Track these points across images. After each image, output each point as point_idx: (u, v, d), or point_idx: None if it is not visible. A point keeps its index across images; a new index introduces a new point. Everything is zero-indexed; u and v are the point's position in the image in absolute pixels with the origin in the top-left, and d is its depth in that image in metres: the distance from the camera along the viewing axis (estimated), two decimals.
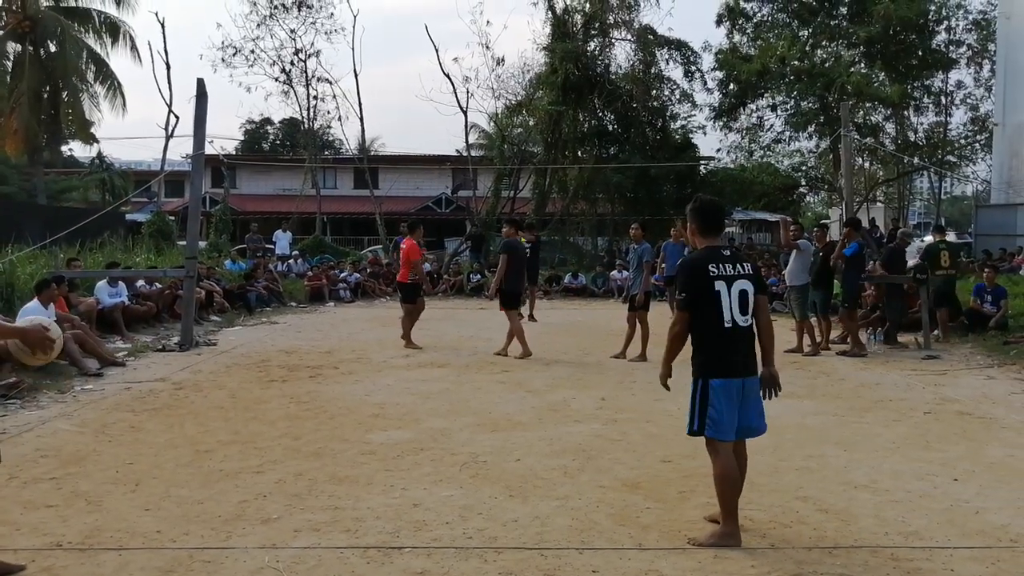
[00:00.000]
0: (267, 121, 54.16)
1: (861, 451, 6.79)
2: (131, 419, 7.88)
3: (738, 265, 4.80)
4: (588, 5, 29.49)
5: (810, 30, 31.29)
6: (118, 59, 46.74)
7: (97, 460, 6.45)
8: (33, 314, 10.57)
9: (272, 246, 27.09)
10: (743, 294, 4.76)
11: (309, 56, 32.51)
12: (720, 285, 4.73)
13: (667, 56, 30.56)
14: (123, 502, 5.45)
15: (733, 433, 4.79)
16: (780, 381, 4.95)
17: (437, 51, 31.81)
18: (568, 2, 29.58)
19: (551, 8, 29.41)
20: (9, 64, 31.92)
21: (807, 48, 30.82)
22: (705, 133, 32.86)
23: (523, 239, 17.36)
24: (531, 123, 30.90)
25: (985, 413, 8.34)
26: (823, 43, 31.48)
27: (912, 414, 8.26)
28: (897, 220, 39.73)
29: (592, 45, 29.92)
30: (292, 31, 32.05)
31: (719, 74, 31.74)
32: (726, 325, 4.74)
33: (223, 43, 32.87)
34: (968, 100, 33.87)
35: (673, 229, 16.82)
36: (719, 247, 4.91)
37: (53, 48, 31.86)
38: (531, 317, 16.56)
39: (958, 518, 5.19)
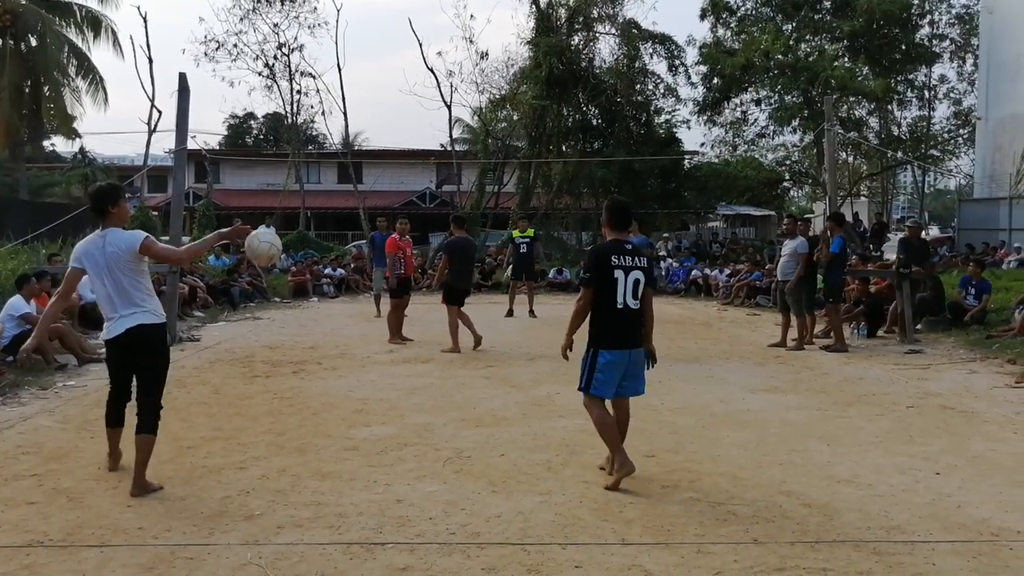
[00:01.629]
0: (250, 116, 53.92)
1: (844, 445, 6.82)
2: None
3: (636, 258, 5.70)
4: None
5: (794, 24, 31.35)
6: (100, 53, 46.56)
7: (79, 457, 6.41)
8: (17, 308, 10.53)
9: None
10: (636, 282, 5.67)
11: (292, 50, 32.41)
12: (619, 273, 5.63)
13: (651, 50, 30.59)
14: (105, 499, 5.42)
15: (612, 393, 5.78)
16: (657, 356, 6.08)
17: (421, 45, 31.91)
18: None
19: (535, 2, 29.38)
20: None
21: (791, 42, 30.86)
22: (689, 127, 32.91)
23: (516, 233, 17.39)
24: (515, 117, 30.89)
25: (967, 407, 8.38)
26: (807, 37, 31.53)
27: (895, 408, 8.30)
28: (881, 214, 39.99)
29: (576, 39, 29.90)
30: (275, 25, 31.95)
31: (703, 68, 31.76)
32: (618, 306, 5.63)
33: (206, 37, 32.79)
34: (951, 94, 34.07)
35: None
36: (624, 241, 5.81)
37: (34, 42, 31.55)
38: (531, 312, 16.56)
39: (940, 512, 5.22)
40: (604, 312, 5.69)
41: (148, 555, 4.51)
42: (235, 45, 32.09)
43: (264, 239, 6.12)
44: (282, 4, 31.61)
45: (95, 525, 4.94)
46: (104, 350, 5.96)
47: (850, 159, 40.82)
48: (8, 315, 10.51)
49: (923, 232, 14.63)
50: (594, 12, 29.69)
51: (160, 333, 5.78)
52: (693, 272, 23.82)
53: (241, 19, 31.94)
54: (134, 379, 5.83)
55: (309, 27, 32.36)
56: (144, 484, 5.53)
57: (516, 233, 17.33)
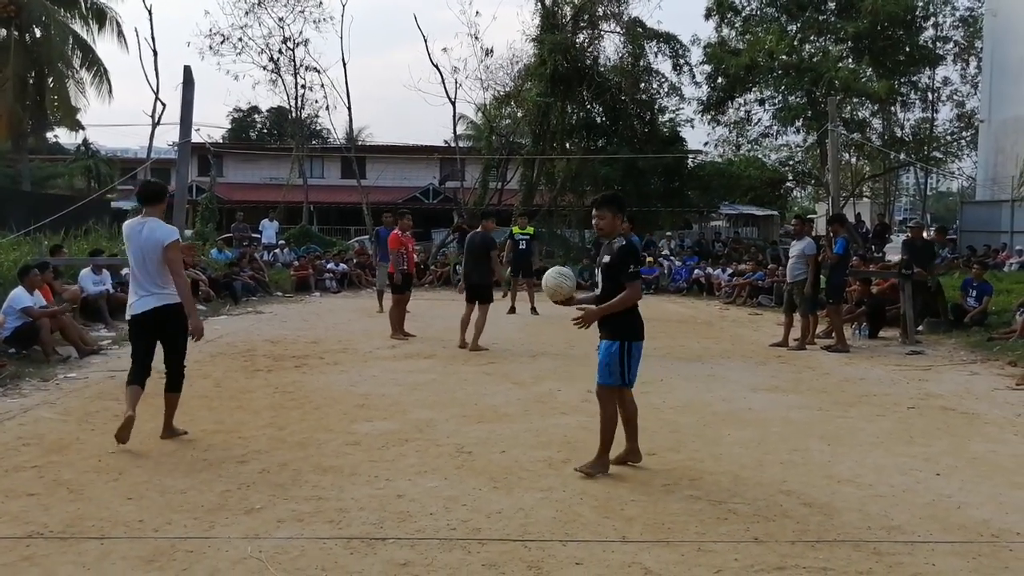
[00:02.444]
0: (255, 110, 53.95)
1: (845, 445, 6.82)
2: (115, 408, 7.82)
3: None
4: None
5: (798, 25, 31.31)
6: (104, 45, 46.57)
7: (80, 449, 6.42)
8: (20, 300, 10.53)
9: (258, 235, 26.98)
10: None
11: (297, 45, 32.40)
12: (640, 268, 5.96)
13: (656, 49, 30.51)
14: (105, 491, 5.42)
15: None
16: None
17: (426, 41, 31.82)
18: None
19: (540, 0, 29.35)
20: None
21: (795, 43, 30.82)
22: (693, 126, 33.01)
23: (516, 230, 17.33)
24: (519, 114, 30.84)
25: (968, 408, 8.38)
26: (811, 38, 31.49)
27: (896, 409, 8.30)
28: (883, 215, 39.97)
29: (581, 37, 29.85)
30: (280, 19, 31.93)
31: (707, 68, 31.74)
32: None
33: (211, 30, 32.73)
34: (954, 96, 34.06)
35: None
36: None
37: (39, 33, 31.56)
38: (532, 310, 16.56)
39: (940, 513, 5.22)
40: (638, 307, 5.97)
41: (148, 547, 4.51)
42: (240, 39, 32.09)
43: (549, 281, 6.42)
44: None
45: (95, 517, 4.94)
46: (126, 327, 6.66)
47: (853, 160, 40.79)
48: (11, 307, 10.51)
49: (924, 232, 14.44)
50: (599, 10, 29.65)
51: (179, 310, 6.53)
52: (695, 271, 23.81)
53: (246, 13, 31.96)
54: (152, 349, 6.69)
55: (314, 21, 32.63)
56: (172, 429, 6.73)
57: (516, 230, 17.30)
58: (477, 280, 12.04)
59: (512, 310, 16.60)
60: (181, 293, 6.54)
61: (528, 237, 17.25)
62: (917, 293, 13.56)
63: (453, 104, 30.63)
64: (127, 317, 6.72)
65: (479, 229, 12.65)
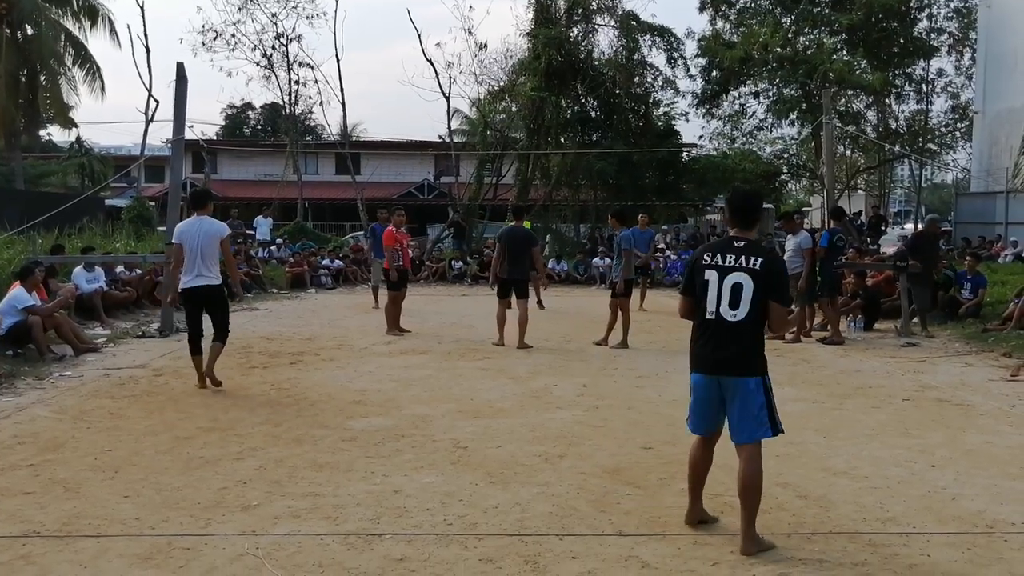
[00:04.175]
0: (248, 106, 53.89)
1: (840, 437, 6.83)
2: (110, 405, 7.84)
3: (743, 258, 4.52)
4: None
5: (792, 17, 31.30)
6: (97, 43, 46.46)
7: (76, 447, 6.41)
8: (21, 300, 10.50)
9: (253, 232, 26.95)
10: (736, 287, 4.51)
11: (291, 41, 32.42)
12: (710, 274, 4.58)
13: (650, 42, 30.55)
14: (102, 489, 5.42)
15: (700, 427, 4.78)
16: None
17: (420, 36, 31.76)
18: None
19: None
20: None
21: (789, 35, 30.85)
22: (688, 120, 33.03)
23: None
24: (514, 109, 30.81)
25: (963, 400, 8.40)
26: (805, 30, 31.51)
27: (891, 401, 8.31)
28: (878, 207, 40.01)
29: (575, 31, 29.87)
30: (273, 15, 31.95)
31: (702, 61, 31.76)
32: (708, 316, 4.59)
33: (204, 27, 32.68)
34: (949, 88, 34.11)
35: (641, 216, 17.02)
36: (735, 237, 4.65)
37: (31, 31, 31.44)
38: (539, 304, 16.55)
39: (935, 504, 5.23)
40: (695, 326, 4.76)
41: (145, 545, 4.51)
42: (233, 35, 32.11)
43: None
44: None
45: (92, 515, 4.94)
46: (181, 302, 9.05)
47: (848, 152, 40.82)
48: (11, 305, 10.47)
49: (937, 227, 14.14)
50: (593, 4, 29.66)
51: (219, 289, 8.72)
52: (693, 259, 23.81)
53: (239, 9, 32.00)
54: (199, 318, 8.72)
55: (307, 17, 32.49)
56: (213, 377, 8.61)
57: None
58: (519, 275, 11.89)
59: (509, 305, 16.57)
60: (230, 270, 9.06)
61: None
62: (927, 286, 13.44)
63: (447, 99, 30.66)
64: (179, 290, 8.74)
65: (514, 224, 12.41)
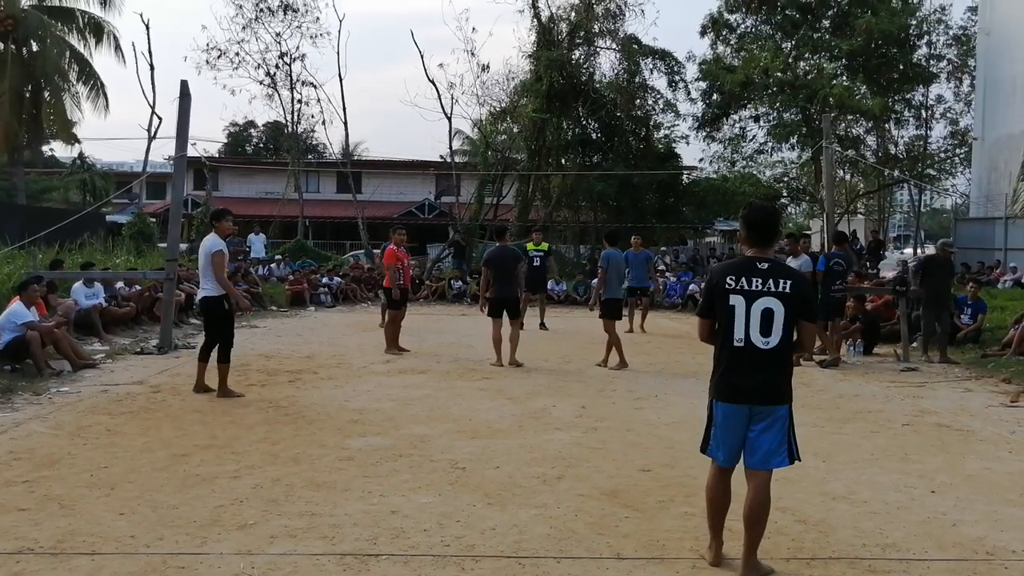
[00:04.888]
0: (251, 124, 54.05)
1: (840, 462, 6.80)
2: (107, 422, 7.82)
3: (771, 281, 4.36)
4: (573, 14, 29.60)
5: (793, 42, 31.52)
6: (101, 59, 46.60)
7: (72, 463, 6.38)
8: (21, 316, 10.49)
9: (248, 249, 26.94)
10: (767, 313, 4.34)
11: (294, 60, 32.50)
12: (736, 299, 4.39)
13: (651, 65, 30.72)
14: (97, 506, 5.39)
15: (725, 458, 4.56)
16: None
17: (422, 57, 31.72)
18: (554, 11, 29.70)
19: (537, 16, 29.47)
20: None
21: (790, 60, 31.05)
22: (688, 143, 33.10)
23: (531, 246, 17.18)
24: (515, 130, 30.91)
25: (963, 425, 8.38)
26: (806, 55, 31.72)
27: (890, 426, 8.29)
28: (877, 232, 40.06)
29: (577, 54, 30.00)
30: (277, 34, 32.04)
31: (703, 84, 31.97)
32: (736, 344, 4.39)
33: (208, 45, 32.75)
34: (948, 114, 34.37)
35: (634, 238, 17.11)
36: (756, 259, 4.45)
37: (36, 47, 31.59)
38: (542, 325, 16.56)
39: (935, 530, 5.20)
40: (720, 350, 4.50)
41: (140, 563, 4.48)
42: (237, 53, 32.20)
43: None
44: (284, 14, 31.73)
45: (86, 532, 4.91)
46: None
47: (847, 176, 40.95)
48: (11, 321, 10.45)
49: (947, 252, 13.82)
50: (595, 27, 29.81)
51: (207, 301, 9.17)
52: (691, 287, 23.79)
53: (243, 28, 32.05)
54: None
55: (311, 37, 32.45)
56: (226, 391, 9.04)
57: (530, 246, 17.15)
58: (509, 294, 12.06)
59: (521, 325, 16.56)
60: (222, 284, 9.11)
61: (542, 253, 17.20)
62: (943, 310, 13.28)
63: (449, 119, 30.70)
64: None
65: (499, 244, 12.63)
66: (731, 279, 4.43)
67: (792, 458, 4.50)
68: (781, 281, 4.38)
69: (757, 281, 4.38)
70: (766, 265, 4.43)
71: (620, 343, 11.84)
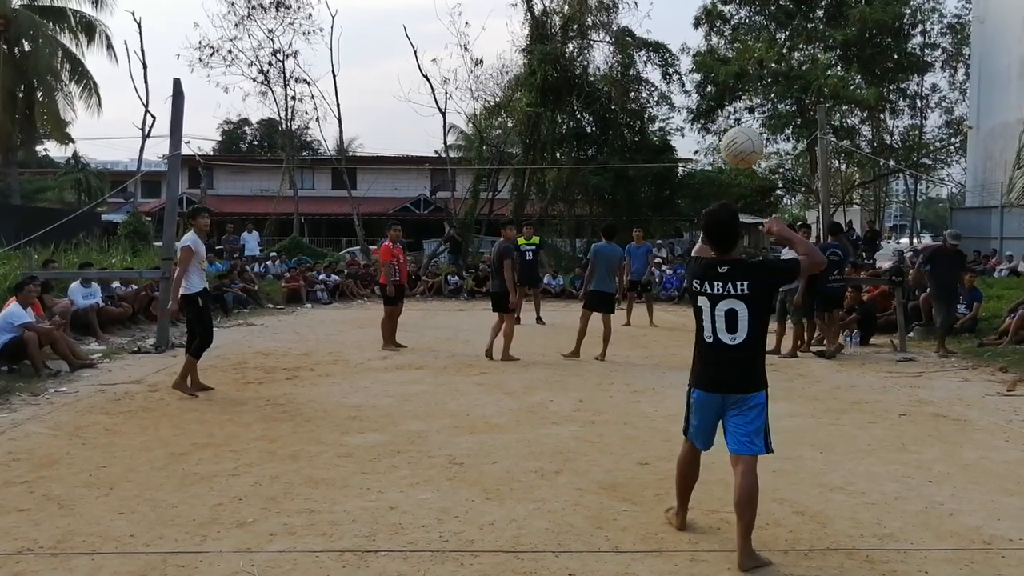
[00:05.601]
0: (245, 122, 54.01)
1: (837, 453, 6.82)
2: (105, 421, 7.82)
3: (730, 284, 4.49)
4: (567, 7, 29.55)
5: (787, 33, 31.50)
6: (94, 58, 46.55)
7: (70, 463, 6.38)
8: (18, 317, 10.47)
9: (243, 247, 26.90)
10: (731, 313, 4.51)
11: (287, 56, 32.44)
12: (702, 301, 4.61)
13: (645, 58, 30.65)
14: (96, 506, 5.39)
15: (702, 443, 4.83)
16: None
17: (416, 52, 31.72)
18: (547, 4, 29.65)
19: (530, 10, 29.42)
20: None
21: (784, 51, 31.01)
22: (683, 135, 33.10)
23: (522, 241, 17.22)
24: (510, 124, 30.90)
25: (960, 415, 8.40)
26: (800, 46, 31.69)
27: (888, 416, 8.31)
28: (873, 222, 40.12)
29: (570, 47, 29.94)
30: (270, 31, 31.98)
31: (697, 76, 31.87)
32: (707, 340, 4.65)
33: (200, 43, 32.69)
34: (943, 103, 34.40)
35: (635, 231, 17.20)
36: (718, 262, 4.59)
37: (28, 47, 31.52)
38: (538, 319, 16.59)
39: (933, 520, 5.22)
40: (696, 343, 4.79)
41: (139, 563, 4.49)
42: (230, 51, 32.13)
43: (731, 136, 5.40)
44: (277, 10, 31.67)
45: (86, 532, 4.92)
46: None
47: (843, 167, 40.97)
48: (7, 322, 10.44)
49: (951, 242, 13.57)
50: (588, 20, 29.73)
51: (184, 300, 9.10)
52: (687, 280, 23.84)
53: (236, 25, 32.18)
54: (190, 323, 9.38)
55: (304, 33, 32.45)
56: (181, 384, 9.04)
57: (522, 240, 17.18)
58: (498, 288, 12.07)
59: (517, 320, 16.58)
60: (176, 279, 9.12)
61: (534, 247, 17.21)
62: (952, 302, 13.26)
63: (443, 114, 30.65)
64: None
65: (501, 238, 12.63)
66: (696, 282, 4.67)
67: (767, 448, 4.62)
68: (739, 283, 4.51)
69: (717, 285, 4.56)
70: (726, 268, 4.56)
71: (584, 335, 12.01)
